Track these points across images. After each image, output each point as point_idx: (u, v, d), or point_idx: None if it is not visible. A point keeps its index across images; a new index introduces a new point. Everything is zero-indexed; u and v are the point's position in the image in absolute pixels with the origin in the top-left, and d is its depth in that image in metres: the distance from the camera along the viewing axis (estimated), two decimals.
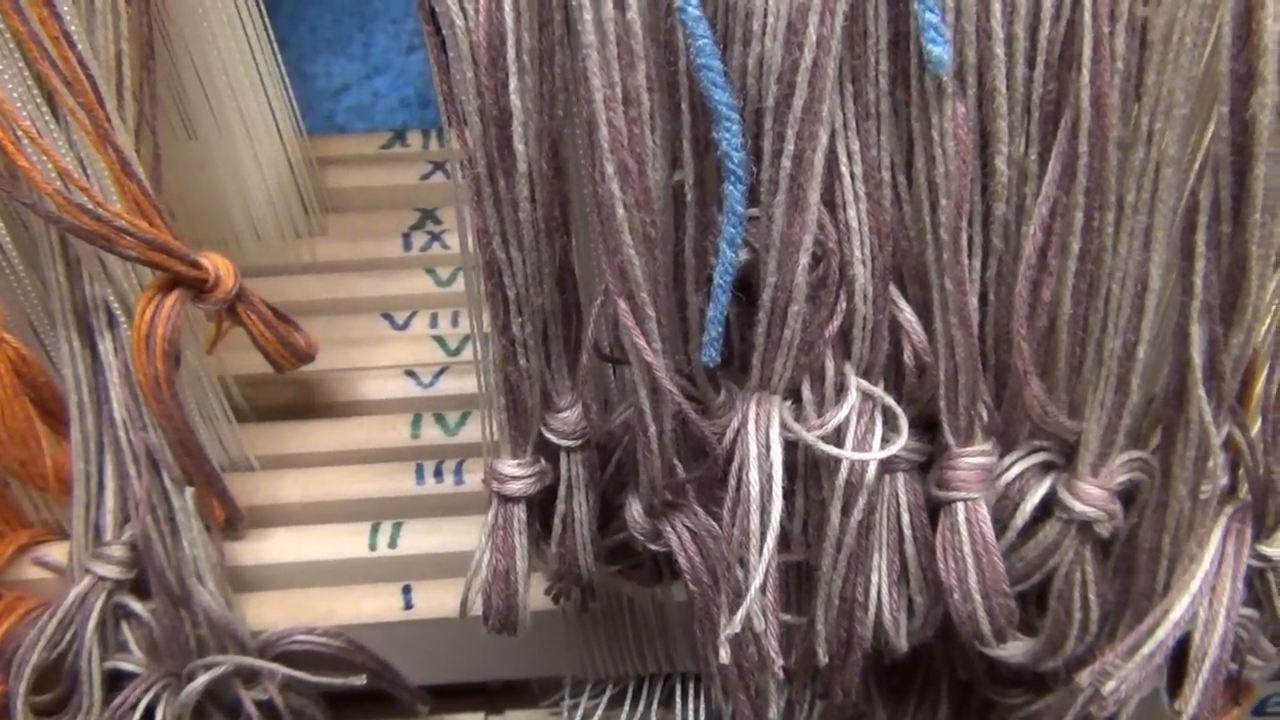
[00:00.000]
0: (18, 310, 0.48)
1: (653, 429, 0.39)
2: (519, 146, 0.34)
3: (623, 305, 0.36)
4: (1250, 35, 0.32)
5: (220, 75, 0.55)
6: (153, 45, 0.47)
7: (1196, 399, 0.38)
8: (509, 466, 0.42)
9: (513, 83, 0.33)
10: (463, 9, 0.33)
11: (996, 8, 0.33)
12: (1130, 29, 0.33)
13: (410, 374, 0.59)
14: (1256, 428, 0.41)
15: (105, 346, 0.48)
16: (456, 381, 0.58)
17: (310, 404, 0.59)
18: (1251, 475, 0.41)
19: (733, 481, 0.38)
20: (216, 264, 0.47)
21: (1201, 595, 0.40)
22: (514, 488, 0.42)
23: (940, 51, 0.33)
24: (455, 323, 0.62)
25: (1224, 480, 0.40)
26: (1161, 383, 0.40)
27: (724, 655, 0.39)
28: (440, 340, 0.61)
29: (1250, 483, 0.41)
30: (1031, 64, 0.34)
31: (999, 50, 0.33)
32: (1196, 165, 0.35)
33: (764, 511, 0.37)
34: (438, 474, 0.55)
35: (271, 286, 0.61)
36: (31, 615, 0.50)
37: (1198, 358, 0.37)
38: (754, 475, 0.38)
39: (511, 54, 0.33)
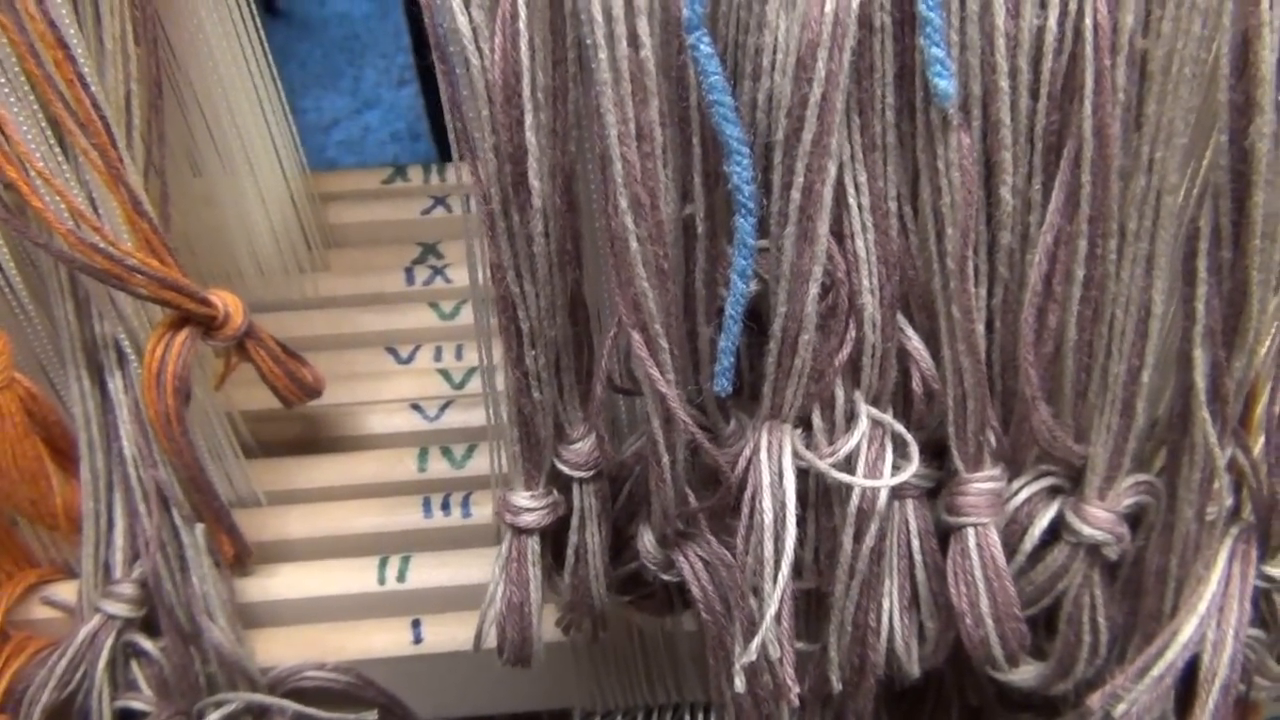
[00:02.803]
0: (27, 349, 0.48)
1: (666, 459, 0.39)
2: (534, 182, 0.35)
3: (636, 337, 0.36)
4: (1248, 66, 0.32)
5: (225, 113, 0.55)
6: (161, 85, 0.48)
7: (1201, 422, 0.38)
8: (522, 499, 0.42)
9: (528, 120, 0.34)
10: (478, 48, 0.33)
11: (1000, 42, 0.33)
12: (1130, 61, 0.34)
13: (416, 407, 0.59)
14: (1259, 448, 0.41)
15: (115, 384, 0.48)
16: (462, 414, 0.59)
17: (316, 439, 0.59)
18: (1255, 496, 0.41)
19: (745, 510, 0.39)
20: (226, 301, 0.48)
21: (1209, 617, 0.40)
22: (527, 520, 0.42)
23: (946, 85, 0.33)
24: (459, 356, 0.62)
25: (1229, 502, 0.41)
26: (1165, 406, 0.41)
27: (739, 684, 0.39)
28: (445, 373, 0.61)
29: (1254, 504, 0.42)
30: (1035, 96, 0.35)
31: (1003, 83, 0.34)
32: (1196, 193, 0.36)
33: (778, 539, 0.38)
34: (445, 507, 0.55)
35: (275, 322, 0.61)
36: (41, 655, 0.50)
37: (1201, 381, 0.38)
38: (767, 503, 0.38)
39: (527, 92, 0.34)
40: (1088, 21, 0.33)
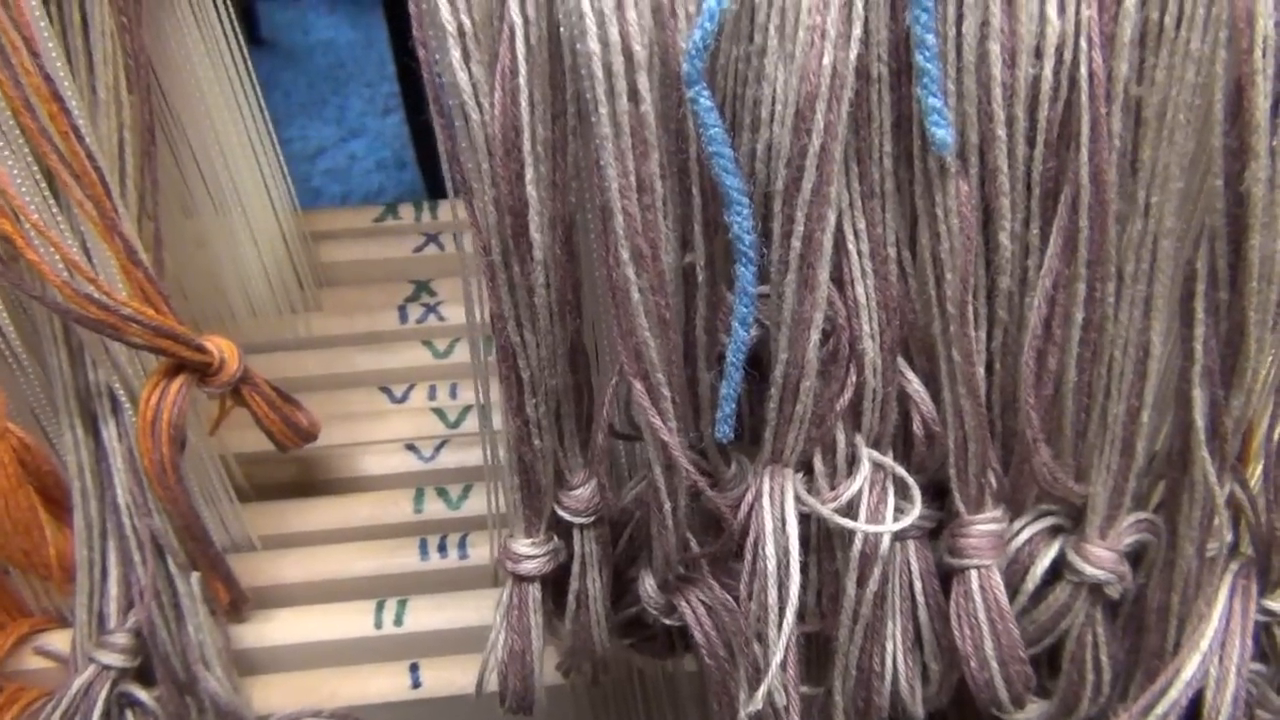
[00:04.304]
0: (20, 398, 0.48)
1: (667, 505, 0.39)
2: (535, 235, 0.35)
3: (638, 386, 0.36)
4: (1242, 112, 0.33)
5: (216, 155, 0.55)
6: (153, 132, 0.48)
7: (1200, 460, 0.38)
8: (523, 546, 0.42)
9: (529, 174, 0.34)
10: (478, 103, 0.33)
11: (997, 91, 0.33)
12: (1126, 108, 0.34)
13: (411, 448, 0.59)
14: (1256, 483, 0.41)
15: (109, 432, 0.47)
16: (457, 454, 0.59)
17: (311, 481, 0.59)
18: (1254, 531, 0.41)
19: (748, 556, 0.39)
20: (221, 347, 0.47)
21: (1212, 653, 0.41)
22: (529, 567, 0.42)
23: (943, 134, 0.34)
24: (454, 394, 0.62)
25: (1228, 537, 0.41)
26: (1163, 444, 0.41)
27: None
28: (440, 412, 0.61)
29: (1253, 539, 0.42)
30: (1032, 143, 0.35)
31: (1000, 131, 0.34)
32: (1193, 236, 0.36)
33: (782, 586, 0.38)
34: (442, 549, 0.55)
35: (268, 363, 0.61)
36: (34, 707, 0.49)
37: (1200, 420, 0.38)
38: (770, 550, 0.38)
39: (527, 146, 0.34)
40: (1083, 70, 0.33)
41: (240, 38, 0.54)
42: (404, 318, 0.65)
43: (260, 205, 0.60)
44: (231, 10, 0.53)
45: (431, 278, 0.66)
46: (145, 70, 0.47)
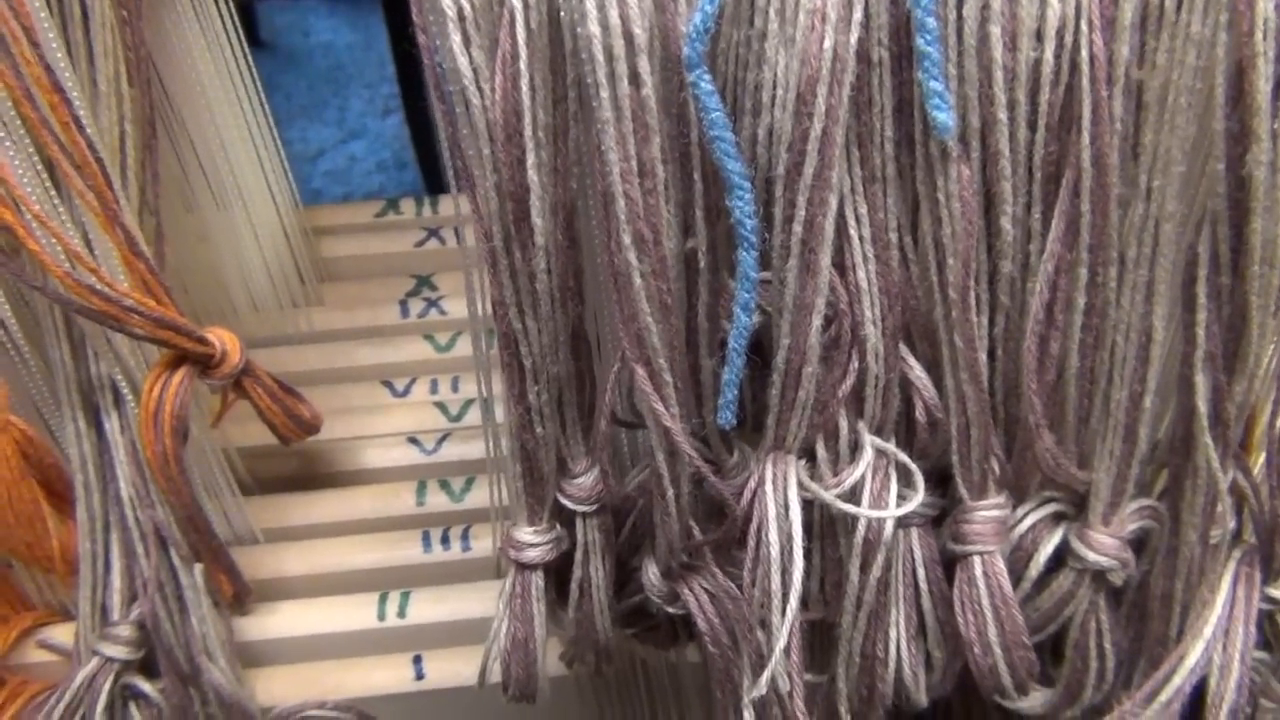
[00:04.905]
0: (22, 391, 0.48)
1: (670, 492, 0.39)
2: (537, 220, 0.35)
3: (640, 371, 0.36)
4: (1243, 95, 0.33)
5: (218, 150, 0.55)
6: (154, 124, 0.48)
7: (1204, 446, 0.38)
8: (526, 534, 0.42)
9: (530, 159, 0.34)
10: (479, 89, 0.33)
11: (998, 75, 0.33)
12: (1127, 91, 0.34)
13: (413, 441, 0.59)
14: (1259, 470, 0.41)
15: (111, 425, 0.47)
16: (460, 447, 0.59)
17: (313, 474, 0.58)
18: (1257, 518, 0.41)
19: (752, 542, 0.39)
20: (223, 339, 0.48)
21: (1215, 640, 0.41)
22: (531, 555, 0.42)
23: (945, 118, 0.34)
24: (455, 388, 0.62)
25: (1231, 524, 0.41)
26: (1166, 430, 0.41)
27: (748, 718, 0.39)
28: (442, 406, 0.61)
29: (1256, 526, 0.42)
30: (1033, 127, 0.35)
31: (1002, 115, 0.34)
32: (1195, 220, 0.36)
33: (785, 572, 0.38)
34: (445, 541, 0.55)
35: (270, 357, 0.61)
36: (38, 700, 0.49)
37: (1203, 406, 0.38)
38: (773, 535, 0.38)
39: (528, 131, 0.34)
40: (1084, 54, 0.33)
41: (240, 33, 0.54)
42: (405, 312, 0.65)
43: (261, 200, 0.60)
44: (231, 6, 0.53)
45: (433, 272, 0.66)
46: (146, 64, 0.47)
